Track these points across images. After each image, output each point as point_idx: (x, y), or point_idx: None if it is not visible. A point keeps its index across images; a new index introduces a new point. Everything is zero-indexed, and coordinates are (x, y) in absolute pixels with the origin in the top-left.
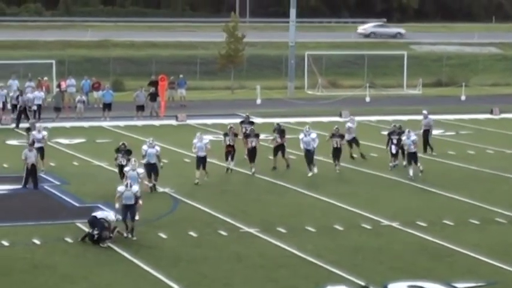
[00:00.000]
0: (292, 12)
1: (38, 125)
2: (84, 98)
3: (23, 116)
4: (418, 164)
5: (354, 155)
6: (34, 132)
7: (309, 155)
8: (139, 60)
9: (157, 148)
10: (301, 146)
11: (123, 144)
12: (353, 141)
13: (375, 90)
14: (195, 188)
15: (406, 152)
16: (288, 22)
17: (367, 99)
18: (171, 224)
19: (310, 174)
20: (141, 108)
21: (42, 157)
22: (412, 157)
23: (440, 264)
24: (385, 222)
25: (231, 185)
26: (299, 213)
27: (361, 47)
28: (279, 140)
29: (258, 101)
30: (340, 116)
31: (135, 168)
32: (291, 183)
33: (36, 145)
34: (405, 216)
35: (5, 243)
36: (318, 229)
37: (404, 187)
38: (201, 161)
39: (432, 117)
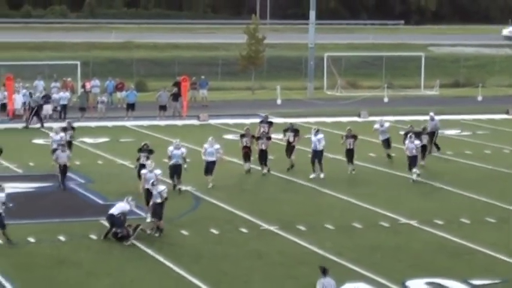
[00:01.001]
0: (312, 14)
1: (55, 127)
2: (104, 98)
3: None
4: (414, 170)
5: (393, 154)
6: (52, 134)
7: (316, 155)
8: (162, 62)
9: (183, 150)
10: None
11: (146, 144)
12: (386, 142)
13: (393, 90)
14: (216, 187)
15: (407, 156)
16: (307, 24)
17: (386, 99)
18: (192, 222)
19: (312, 176)
20: (163, 108)
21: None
22: (412, 161)
23: (457, 262)
24: (403, 220)
25: (251, 184)
26: (318, 211)
27: (379, 49)
28: (291, 139)
29: (278, 101)
30: (359, 116)
31: (152, 170)
32: (310, 182)
33: (54, 146)
34: (423, 214)
35: (31, 239)
36: (337, 227)
37: (422, 186)
38: (210, 166)
39: (448, 117)
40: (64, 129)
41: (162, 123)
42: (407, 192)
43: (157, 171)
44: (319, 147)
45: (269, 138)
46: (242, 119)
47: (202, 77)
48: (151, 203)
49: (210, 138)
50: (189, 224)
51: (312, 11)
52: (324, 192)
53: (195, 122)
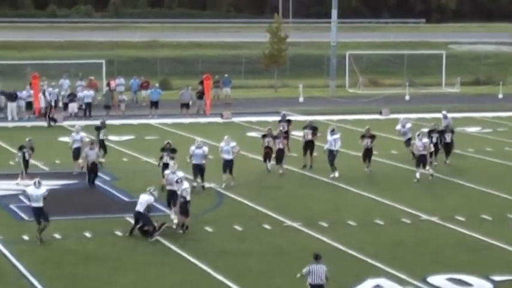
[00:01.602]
0: (334, 13)
1: (76, 126)
2: (125, 97)
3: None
4: (427, 168)
5: (435, 157)
6: (74, 134)
7: (330, 155)
8: (185, 60)
9: (205, 149)
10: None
11: (168, 143)
12: (408, 143)
13: (414, 88)
14: (239, 184)
15: (416, 154)
16: (329, 23)
17: (407, 97)
18: (216, 219)
19: (332, 175)
20: (186, 106)
21: (77, 158)
22: (422, 160)
23: (478, 258)
24: (425, 217)
25: (274, 181)
26: (340, 208)
27: (400, 47)
28: (309, 136)
29: (301, 99)
30: (381, 114)
31: (175, 171)
32: (331, 179)
33: (75, 145)
34: (444, 211)
35: (57, 236)
36: (359, 223)
37: (443, 183)
38: (228, 165)
39: (469, 115)
40: (98, 128)
41: (186, 121)
42: (428, 189)
43: (180, 173)
44: (335, 147)
45: (286, 137)
46: (265, 116)
47: (226, 75)
48: (178, 200)
49: (225, 137)
50: (213, 220)
51: (334, 9)
52: (345, 189)
53: (218, 119)
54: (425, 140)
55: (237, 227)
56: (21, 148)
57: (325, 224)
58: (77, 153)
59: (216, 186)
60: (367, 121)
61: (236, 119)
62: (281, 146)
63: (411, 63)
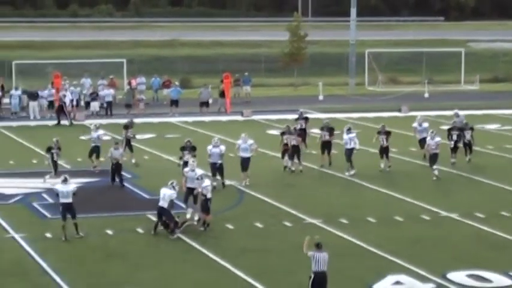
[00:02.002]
0: (353, 11)
1: (93, 125)
2: (143, 96)
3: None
4: (434, 167)
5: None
6: (93, 133)
7: (347, 153)
8: (206, 59)
9: (222, 148)
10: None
11: (189, 141)
12: (423, 142)
13: (434, 86)
14: (259, 181)
15: (429, 153)
16: (348, 21)
17: (426, 95)
18: (237, 216)
19: (347, 173)
20: (205, 104)
21: (98, 156)
22: (434, 158)
23: (498, 255)
24: (444, 213)
25: (293, 179)
26: (360, 205)
27: (419, 45)
28: (327, 137)
29: (320, 97)
30: (400, 111)
31: (194, 169)
32: (354, 176)
33: (92, 144)
34: (464, 208)
35: (80, 233)
36: (379, 220)
37: (463, 180)
38: (245, 163)
39: (488, 112)
40: (126, 127)
41: (207, 119)
42: (447, 185)
43: (199, 171)
44: (351, 145)
45: (300, 135)
46: (285, 114)
47: (246, 73)
48: (199, 198)
49: (243, 135)
50: (234, 217)
51: (353, 8)
52: (364, 186)
53: (238, 117)
54: (438, 138)
55: (258, 225)
56: (49, 149)
57: (345, 221)
58: (93, 151)
59: (236, 184)
60: (386, 119)
61: (256, 117)
62: (295, 143)
63: (430, 61)
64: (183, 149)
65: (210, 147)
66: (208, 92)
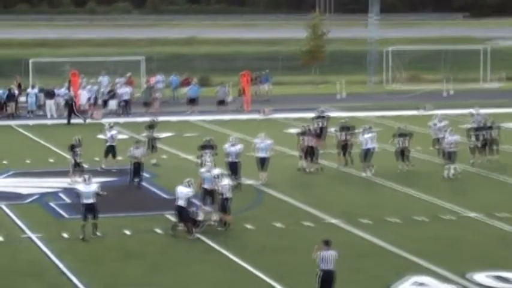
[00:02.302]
0: (373, 9)
1: (107, 124)
2: (158, 94)
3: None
4: (453, 166)
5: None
6: (106, 132)
7: (364, 154)
8: (224, 57)
9: (239, 147)
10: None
11: (208, 140)
12: (438, 141)
13: (455, 84)
14: (279, 181)
15: (445, 151)
16: (367, 19)
17: (447, 93)
18: (256, 216)
19: (364, 174)
20: (222, 103)
21: (114, 155)
22: (451, 157)
23: None
24: (465, 213)
25: (312, 178)
26: (380, 204)
27: (440, 42)
28: (344, 137)
29: (340, 95)
30: (421, 109)
31: (210, 170)
32: (374, 175)
33: (107, 144)
34: (485, 207)
35: (98, 233)
36: (399, 220)
37: (484, 180)
38: (262, 163)
39: (509, 110)
40: (150, 127)
41: (226, 117)
42: (467, 185)
43: (216, 171)
44: (369, 145)
45: (318, 136)
46: (305, 113)
47: (265, 71)
48: (217, 198)
49: (261, 134)
50: (253, 217)
51: (373, 5)
52: (384, 186)
53: (258, 116)
54: (456, 137)
55: (277, 224)
56: (72, 148)
57: (365, 221)
58: (108, 151)
59: (254, 183)
60: (406, 117)
61: (276, 116)
62: (311, 144)
63: (452, 58)
64: (202, 148)
65: (227, 146)
66: (224, 91)
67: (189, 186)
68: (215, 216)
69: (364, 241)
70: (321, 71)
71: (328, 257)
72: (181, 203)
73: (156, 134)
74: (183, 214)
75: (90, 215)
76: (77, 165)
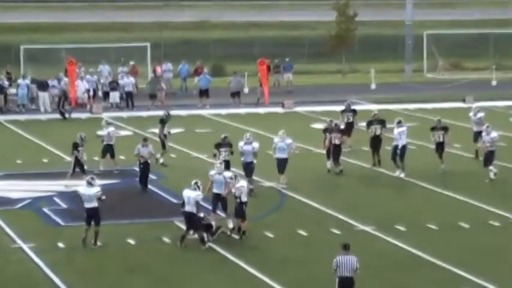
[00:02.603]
0: None
1: (103, 120)
2: (163, 85)
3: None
4: (491, 167)
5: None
6: (103, 129)
7: (395, 151)
8: (240, 42)
9: (255, 145)
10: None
11: (225, 137)
12: (477, 135)
13: (503, 72)
14: (303, 183)
15: (484, 151)
16: None
17: (494, 82)
18: (278, 222)
19: (396, 173)
20: (236, 95)
21: (113, 156)
22: (489, 157)
23: None
24: None
25: (343, 179)
26: (418, 209)
27: (486, 25)
28: (378, 131)
29: (373, 86)
30: (464, 101)
31: (221, 172)
32: (410, 176)
33: (104, 143)
34: None
35: (98, 243)
36: (441, 227)
37: None
38: (282, 164)
39: None
40: (162, 121)
41: (243, 111)
42: None
43: (228, 173)
44: (402, 142)
45: (343, 132)
46: (332, 106)
47: (287, 59)
48: (233, 202)
49: (280, 132)
50: (274, 224)
51: None
52: (422, 187)
53: (279, 109)
54: (494, 134)
55: (302, 232)
56: (76, 147)
57: (402, 228)
58: (106, 150)
59: (276, 186)
60: (447, 110)
61: (299, 109)
62: (337, 142)
63: (498, 43)
64: (218, 146)
65: (241, 144)
66: (238, 81)
67: (197, 188)
68: (230, 224)
69: (401, 251)
70: (351, 58)
71: (346, 263)
72: (189, 208)
73: (166, 130)
74: (194, 221)
75: (93, 221)
76: (80, 167)
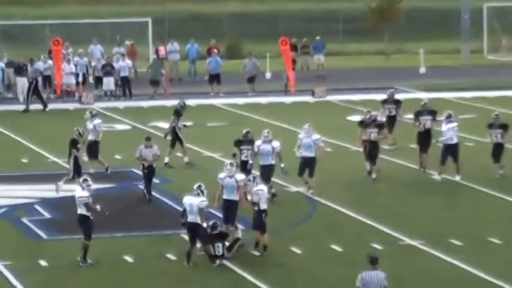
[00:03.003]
0: None
1: (87, 111)
2: (162, 70)
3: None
4: None
5: None
6: (88, 123)
7: (447, 151)
8: (261, 17)
9: (276, 144)
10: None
11: (247, 132)
12: None
13: None
14: (338, 187)
15: None
16: None
17: None
18: (307, 235)
19: (457, 178)
20: (251, 80)
21: (95, 155)
22: None
23: None
24: None
25: (387, 183)
26: (477, 219)
27: None
28: (428, 124)
29: (422, 70)
30: None
31: (233, 175)
32: (468, 180)
33: (89, 137)
34: None
35: (88, 260)
36: (506, 241)
37: None
38: (307, 165)
39: None
40: (177, 113)
41: (264, 101)
42: None
43: (240, 176)
44: (453, 140)
45: (381, 126)
46: (372, 94)
47: (318, 37)
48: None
49: (306, 126)
50: (303, 237)
51: None
52: (482, 193)
53: (308, 98)
54: None
55: (336, 247)
56: (74, 144)
57: (457, 242)
58: (91, 148)
59: (305, 191)
60: None
61: (332, 98)
62: (373, 138)
63: None
64: (239, 143)
65: (258, 142)
66: (253, 64)
67: (201, 193)
68: (239, 233)
69: (456, 270)
70: (395, 36)
71: (374, 280)
72: (193, 218)
73: (181, 124)
74: (199, 233)
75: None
76: (77, 168)
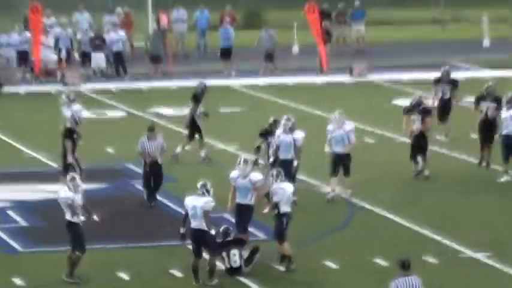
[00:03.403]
0: None
1: (63, 94)
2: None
3: None
4: None
5: None
6: (64, 109)
7: (506, 144)
8: None
9: (298, 135)
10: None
11: (275, 121)
12: None
13: None
14: (381, 187)
15: None
16: None
17: None
18: (343, 246)
19: (503, 178)
20: (268, 57)
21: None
22: None
23: None
24: None
25: (441, 182)
26: None
27: None
28: (490, 112)
29: (485, 43)
30: None
31: (247, 175)
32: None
33: (67, 125)
34: None
35: (75, 279)
36: None
37: None
38: (340, 162)
39: None
40: (195, 98)
41: (290, 81)
42: None
43: (256, 176)
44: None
45: (428, 112)
46: (424, 72)
47: (357, 2)
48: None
49: (336, 114)
50: (338, 248)
51: None
52: None
53: (345, 78)
54: None
55: (379, 261)
56: (70, 133)
57: None
58: (70, 138)
59: (340, 192)
60: None
61: (374, 77)
62: (420, 127)
63: None
64: (265, 134)
65: (279, 133)
66: (270, 37)
67: (205, 193)
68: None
69: None
70: (453, 1)
71: (406, 286)
72: (197, 223)
73: (199, 111)
74: (206, 242)
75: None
76: (72, 164)
